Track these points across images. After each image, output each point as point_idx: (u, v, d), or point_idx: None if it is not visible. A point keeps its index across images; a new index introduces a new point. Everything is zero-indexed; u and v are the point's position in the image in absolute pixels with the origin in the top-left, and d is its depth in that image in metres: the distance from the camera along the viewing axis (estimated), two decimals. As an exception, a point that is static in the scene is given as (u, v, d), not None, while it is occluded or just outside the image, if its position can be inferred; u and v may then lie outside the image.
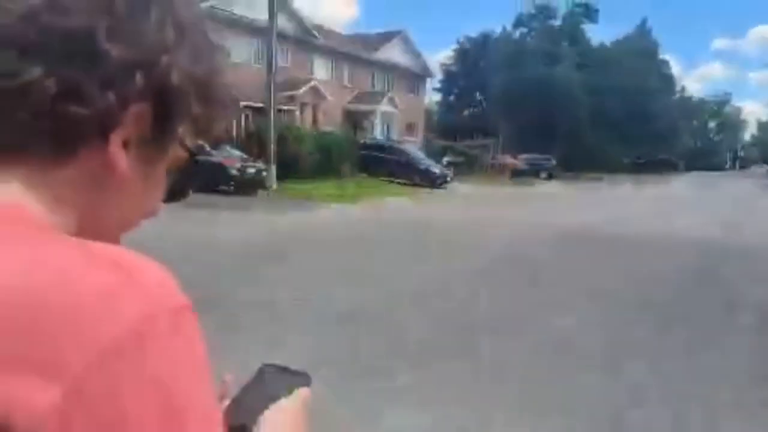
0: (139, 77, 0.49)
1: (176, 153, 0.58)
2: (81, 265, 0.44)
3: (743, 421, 4.07)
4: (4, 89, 0.47)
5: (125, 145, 0.51)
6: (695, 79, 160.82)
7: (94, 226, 0.53)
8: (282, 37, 24.80)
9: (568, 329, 5.94)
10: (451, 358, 4.99)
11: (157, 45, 0.51)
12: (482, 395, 4.26)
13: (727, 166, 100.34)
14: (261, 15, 23.21)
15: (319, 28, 36.61)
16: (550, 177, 39.22)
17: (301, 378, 0.74)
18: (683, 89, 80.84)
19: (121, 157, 0.51)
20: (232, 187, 17.89)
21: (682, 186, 37.19)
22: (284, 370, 0.75)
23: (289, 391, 0.71)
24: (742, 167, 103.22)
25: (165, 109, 0.52)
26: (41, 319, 0.41)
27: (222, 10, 28.77)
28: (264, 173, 19.17)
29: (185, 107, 0.54)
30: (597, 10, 57.34)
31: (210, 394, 0.46)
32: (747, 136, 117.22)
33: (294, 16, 33.49)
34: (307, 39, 34.39)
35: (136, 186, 0.54)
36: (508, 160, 38.22)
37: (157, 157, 0.56)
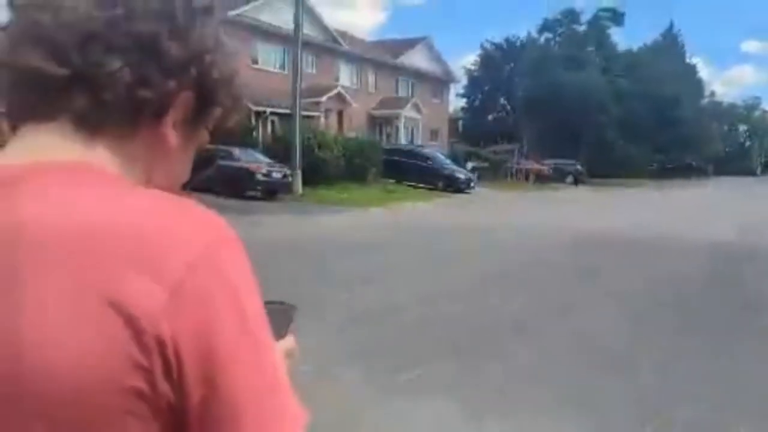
0: (193, 70, 0.64)
1: (203, 136, 0.74)
2: (160, 205, 0.60)
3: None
4: (94, 75, 0.60)
5: (174, 124, 0.66)
6: (724, 82, 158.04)
7: (154, 182, 0.68)
8: (307, 44, 25.09)
9: (587, 329, 6.01)
10: (483, 356, 5.11)
11: (203, 46, 0.65)
12: (514, 393, 4.37)
13: (758, 171, 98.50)
14: (287, 23, 23.53)
15: (344, 34, 36.94)
16: (575, 182, 38.97)
17: (292, 310, 0.85)
18: (712, 93, 79.72)
19: (171, 134, 0.66)
20: (259, 192, 18.16)
21: (709, 192, 36.67)
22: (281, 303, 0.84)
23: (287, 325, 0.82)
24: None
25: (205, 98, 0.67)
26: (146, 239, 0.55)
27: (249, 18, 29.27)
28: (290, 178, 19.42)
29: (219, 98, 0.69)
30: (623, 14, 56.86)
31: (261, 305, 0.61)
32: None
33: (319, 23, 33.86)
34: (332, 46, 34.73)
35: (180, 156, 0.70)
36: (533, 165, 38.05)
37: (193, 136, 0.71)
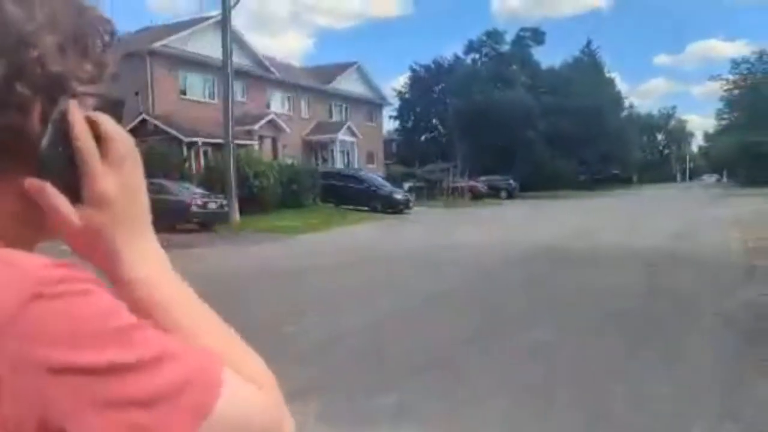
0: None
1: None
2: None
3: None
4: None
5: None
6: (640, 95, 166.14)
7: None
8: (237, 72, 24.89)
9: (537, 341, 6.08)
10: (430, 371, 5.07)
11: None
12: (467, 405, 4.34)
13: (678, 177, 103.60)
14: (214, 52, 23.28)
15: (273, 61, 36.85)
16: (509, 197, 39.93)
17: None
18: (631, 106, 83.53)
19: None
20: (195, 225, 17.73)
21: (633, 199, 38.26)
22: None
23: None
24: (692, 177, 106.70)
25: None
26: None
27: (176, 48, 28.81)
28: (226, 208, 19.07)
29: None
30: (544, 33, 59.22)
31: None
32: (695, 148, 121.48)
33: (248, 50, 33.69)
34: (262, 73, 34.57)
35: None
36: (468, 182, 38.78)
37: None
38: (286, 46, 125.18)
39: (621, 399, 4.53)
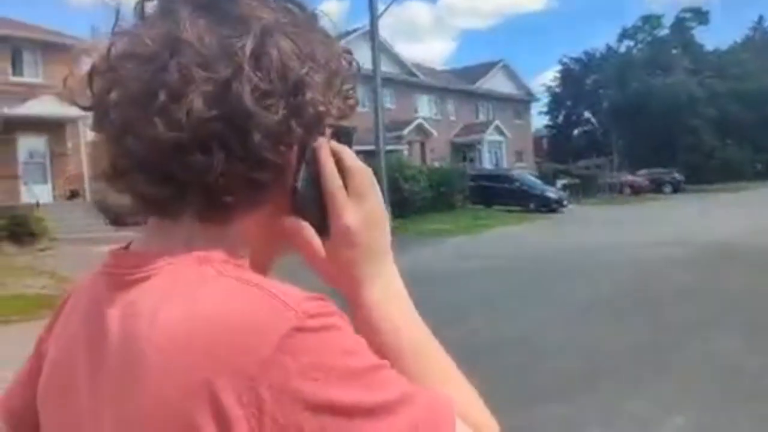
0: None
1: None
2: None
3: None
4: (198, 180, 0.56)
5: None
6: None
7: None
8: (385, 80, 25.42)
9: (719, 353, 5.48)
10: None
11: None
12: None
13: None
14: (364, 62, 23.90)
15: (419, 66, 37.26)
16: (675, 191, 37.05)
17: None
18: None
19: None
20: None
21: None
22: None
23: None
24: None
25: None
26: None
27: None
28: (379, 213, 19.47)
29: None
30: (707, 12, 54.44)
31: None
32: None
33: (395, 58, 34.36)
34: (409, 79, 35.08)
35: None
36: (627, 177, 36.54)
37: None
38: (431, 51, 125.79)
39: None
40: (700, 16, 54.03)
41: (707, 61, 51.15)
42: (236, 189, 0.56)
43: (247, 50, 0.55)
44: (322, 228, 0.62)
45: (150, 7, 0.59)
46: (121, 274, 0.59)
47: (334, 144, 0.63)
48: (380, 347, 0.58)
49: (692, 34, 53.50)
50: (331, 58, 0.61)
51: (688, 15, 53.99)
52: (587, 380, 4.94)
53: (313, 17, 0.63)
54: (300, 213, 0.61)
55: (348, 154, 0.63)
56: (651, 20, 54.57)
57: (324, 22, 0.64)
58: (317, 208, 0.61)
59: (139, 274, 0.57)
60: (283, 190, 0.59)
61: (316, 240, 0.61)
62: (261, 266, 0.62)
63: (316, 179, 0.61)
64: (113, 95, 0.56)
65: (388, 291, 0.62)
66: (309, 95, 0.57)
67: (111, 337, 0.55)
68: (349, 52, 0.66)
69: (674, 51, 52.06)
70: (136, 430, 0.51)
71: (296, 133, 0.57)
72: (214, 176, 0.55)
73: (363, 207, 0.62)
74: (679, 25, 53.48)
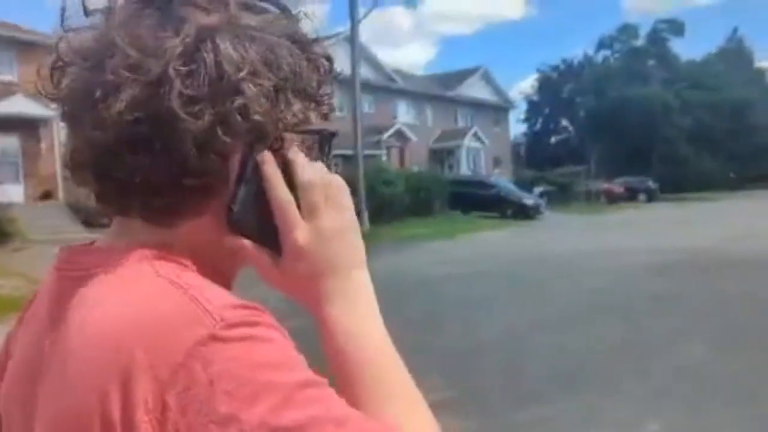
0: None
1: None
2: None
3: None
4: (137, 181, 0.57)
5: None
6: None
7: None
8: (364, 85, 25.44)
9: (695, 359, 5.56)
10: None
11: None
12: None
13: None
14: (343, 66, 23.92)
15: (398, 71, 37.34)
16: (649, 200, 37.56)
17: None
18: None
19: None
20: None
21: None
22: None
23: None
24: None
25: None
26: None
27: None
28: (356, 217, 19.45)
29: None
30: (682, 23, 55.41)
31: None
32: None
33: (374, 63, 34.38)
34: (388, 84, 35.13)
35: None
36: (603, 185, 36.97)
37: None
38: (411, 56, 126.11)
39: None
40: (676, 27, 55.03)
41: (682, 72, 52.08)
42: (167, 193, 0.55)
43: (177, 53, 0.53)
44: (273, 245, 0.59)
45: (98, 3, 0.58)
46: (68, 270, 0.59)
47: (292, 153, 0.60)
48: (340, 365, 0.57)
49: (668, 46, 54.44)
50: (296, 64, 0.58)
51: (663, 26, 54.96)
52: (565, 384, 4.97)
53: (289, 20, 0.61)
54: (239, 233, 0.58)
55: (299, 166, 0.60)
56: (628, 30, 55.43)
57: (306, 25, 0.62)
58: (263, 226, 0.58)
59: (82, 272, 0.57)
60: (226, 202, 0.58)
61: (264, 257, 0.60)
62: (222, 274, 0.61)
63: (260, 195, 0.58)
64: (63, 91, 0.57)
65: (349, 307, 0.60)
66: (240, 102, 0.54)
67: (56, 336, 0.55)
68: (328, 58, 0.64)
69: (650, 61, 52.95)
70: (57, 430, 0.51)
71: (223, 141, 0.54)
72: (143, 178, 0.54)
73: (317, 222, 0.59)
74: (655, 35, 54.43)
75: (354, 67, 20.74)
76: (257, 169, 0.57)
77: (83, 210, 16.20)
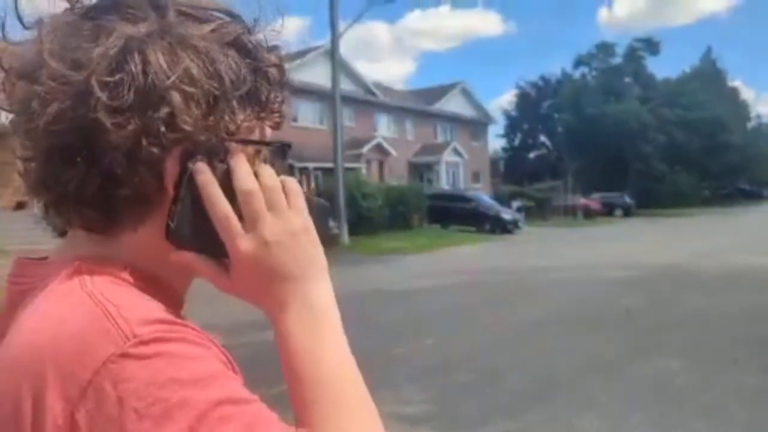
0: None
1: None
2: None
3: None
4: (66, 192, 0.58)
5: None
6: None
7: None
8: (345, 98, 25.49)
9: (666, 373, 5.63)
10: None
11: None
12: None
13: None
14: (324, 80, 24.02)
15: (379, 86, 37.51)
16: (626, 215, 38.05)
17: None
18: (758, 116, 77.32)
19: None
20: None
21: (765, 217, 35.22)
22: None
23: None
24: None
25: None
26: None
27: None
28: (336, 230, 19.45)
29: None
30: (658, 42, 56.44)
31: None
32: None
33: (355, 77, 34.50)
34: (369, 98, 35.26)
35: None
36: (580, 200, 37.36)
37: None
38: (391, 71, 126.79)
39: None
40: (652, 46, 56.00)
41: (658, 90, 52.99)
42: (100, 203, 0.56)
43: (103, 64, 0.53)
44: (221, 253, 0.58)
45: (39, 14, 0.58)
46: (18, 284, 0.60)
47: (233, 162, 0.58)
48: (292, 375, 0.57)
49: (644, 64, 55.38)
50: (240, 72, 0.57)
51: (640, 45, 55.94)
52: (537, 398, 5.00)
53: (238, 28, 0.59)
54: (180, 247, 0.58)
55: (238, 175, 0.57)
56: (605, 48, 56.26)
57: (275, 37, 0.62)
58: (207, 236, 0.57)
59: (29, 285, 0.58)
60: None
61: (211, 268, 0.59)
62: (170, 286, 0.61)
63: (200, 205, 0.56)
64: (13, 103, 0.58)
65: (302, 316, 0.59)
66: (165, 111, 0.53)
67: (1, 351, 0.54)
68: (279, 66, 0.62)
69: (627, 79, 53.75)
70: None
71: (149, 151, 0.53)
72: (76, 189, 0.55)
73: (259, 230, 0.57)
74: (632, 54, 55.32)
75: (334, 80, 20.82)
76: (192, 180, 0.56)
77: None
